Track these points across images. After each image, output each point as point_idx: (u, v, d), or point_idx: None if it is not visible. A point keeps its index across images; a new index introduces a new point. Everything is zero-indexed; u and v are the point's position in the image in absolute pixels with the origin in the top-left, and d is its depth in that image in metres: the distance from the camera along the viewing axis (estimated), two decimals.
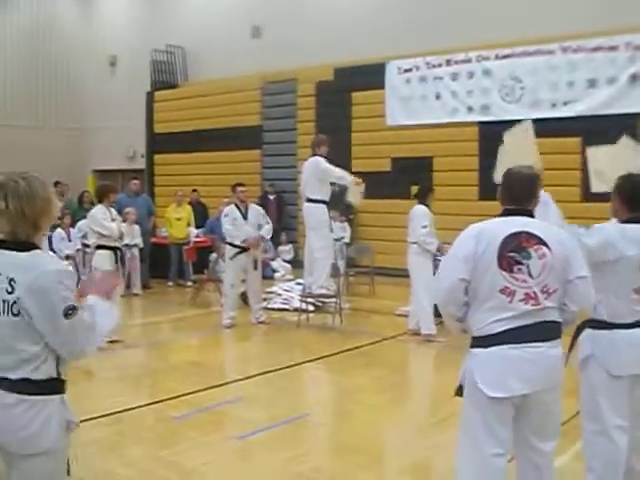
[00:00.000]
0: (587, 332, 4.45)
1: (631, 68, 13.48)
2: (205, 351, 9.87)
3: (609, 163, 5.21)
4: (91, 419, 6.28)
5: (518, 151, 5.34)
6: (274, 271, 15.62)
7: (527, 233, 3.78)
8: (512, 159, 5.27)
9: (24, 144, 20.59)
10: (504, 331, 3.70)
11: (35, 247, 3.16)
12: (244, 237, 10.67)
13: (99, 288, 3.45)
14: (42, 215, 3.17)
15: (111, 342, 8.91)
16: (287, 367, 8.50)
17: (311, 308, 11.39)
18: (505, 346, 3.69)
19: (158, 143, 20.63)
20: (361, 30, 16.67)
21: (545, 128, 13.71)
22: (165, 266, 14.98)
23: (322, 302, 11.65)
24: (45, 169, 4.75)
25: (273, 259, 16.00)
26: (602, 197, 5.47)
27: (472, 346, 3.85)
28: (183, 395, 7.28)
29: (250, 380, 8.07)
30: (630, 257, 4.27)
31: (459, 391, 3.90)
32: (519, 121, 13.82)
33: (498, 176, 5.35)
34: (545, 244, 3.77)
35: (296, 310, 11.18)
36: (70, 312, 3.08)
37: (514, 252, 3.72)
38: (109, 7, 23.34)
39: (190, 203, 16.04)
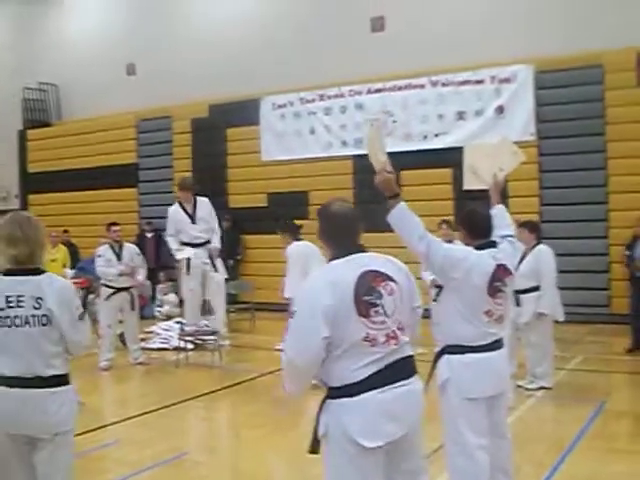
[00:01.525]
0: (444, 357, 4.60)
1: (497, 100, 14.04)
2: (82, 395, 9.49)
3: (484, 161, 5.30)
4: None
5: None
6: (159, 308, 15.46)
7: (373, 271, 3.56)
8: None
9: None
10: (369, 376, 3.46)
11: (45, 271, 4.11)
12: (117, 271, 10.53)
13: None
14: (45, 242, 4.26)
15: None
16: (166, 407, 8.39)
17: (190, 346, 11.30)
18: (374, 391, 3.45)
19: (32, 183, 20.19)
20: (235, 67, 16.81)
21: (417, 160, 14.19)
22: None
23: (201, 340, 11.58)
24: None
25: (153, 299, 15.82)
26: None
27: (332, 397, 3.53)
28: None
29: (128, 422, 7.95)
30: (476, 284, 4.46)
31: (315, 447, 3.60)
32: (392, 154, 14.35)
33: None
34: (391, 279, 3.59)
35: (176, 349, 11.06)
36: (82, 316, 4.16)
37: (368, 295, 3.48)
38: None
39: (62, 243, 15.74)
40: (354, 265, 3.56)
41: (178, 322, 12.03)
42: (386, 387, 3.48)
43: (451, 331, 4.56)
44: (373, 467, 3.49)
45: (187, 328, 11.03)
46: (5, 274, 4.07)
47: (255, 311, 14.06)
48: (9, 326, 3.98)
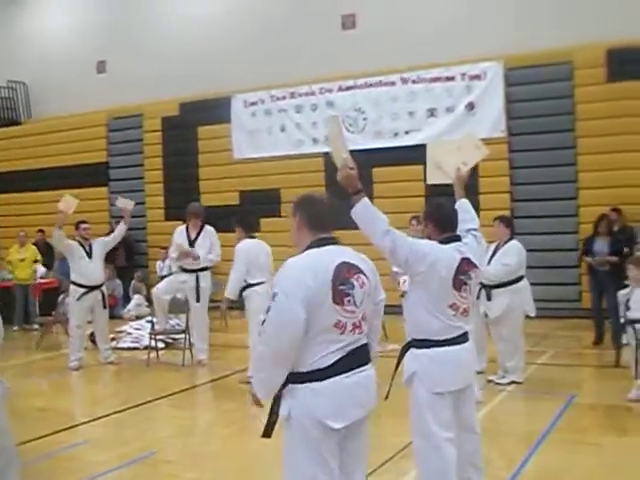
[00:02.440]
0: (410, 351, 4.60)
1: (467, 97, 14.09)
2: (52, 395, 9.56)
3: (448, 156, 5.33)
4: None
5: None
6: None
7: (347, 263, 3.70)
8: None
9: None
10: (336, 361, 3.61)
11: None
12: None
13: None
14: None
15: None
16: (136, 406, 8.34)
17: (161, 345, 11.23)
18: (340, 376, 3.61)
19: (1, 182, 19.95)
20: (206, 64, 16.74)
21: (388, 157, 14.22)
22: (9, 310, 14.42)
23: (172, 339, 11.52)
24: None
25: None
26: None
27: (298, 382, 3.62)
28: (26, 442, 7.00)
29: (98, 422, 7.88)
30: (442, 277, 4.46)
31: (269, 430, 3.72)
32: (364, 151, 14.37)
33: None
34: (362, 272, 3.75)
35: (146, 348, 10.99)
36: None
37: (343, 285, 3.63)
38: None
39: (36, 244, 15.62)
40: (331, 255, 3.71)
41: (149, 321, 11.94)
42: (350, 372, 3.65)
43: (417, 325, 4.58)
44: (333, 449, 3.64)
45: (157, 327, 10.94)
46: None
47: (228, 309, 13.95)
48: None
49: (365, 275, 3.75)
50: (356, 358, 3.69)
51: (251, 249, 9.06)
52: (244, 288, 9.03)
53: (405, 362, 4.62)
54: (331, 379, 3.59)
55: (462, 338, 4.61)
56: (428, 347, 4.52)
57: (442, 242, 4.59)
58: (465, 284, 4.54)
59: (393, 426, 6.64)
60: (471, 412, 4.78)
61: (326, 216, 3.84)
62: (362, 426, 3.80)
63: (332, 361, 3.60)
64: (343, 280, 3.63)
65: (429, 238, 4.73)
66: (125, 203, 11.50)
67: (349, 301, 3.63)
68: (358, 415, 3.70)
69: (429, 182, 5.53)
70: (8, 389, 4.24)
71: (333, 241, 3.80)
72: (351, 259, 3.75)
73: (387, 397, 4.68)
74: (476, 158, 5.39)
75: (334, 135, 4.47)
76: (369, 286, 3.76)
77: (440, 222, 4.71)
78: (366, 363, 3.77)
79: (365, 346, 3.78)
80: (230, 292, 8.92)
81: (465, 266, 4.55)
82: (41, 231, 16.38)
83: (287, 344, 3.53)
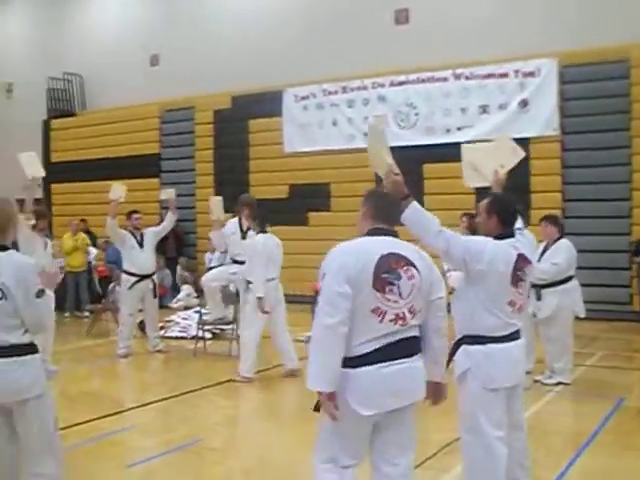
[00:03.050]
0: (463, 348, 4.56)
1: (520, 94, 13.94)
2: (100, 381, 9.70)
3: (484, 159, 5.31)
4: None
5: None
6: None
7: (397, 254, 3.78)
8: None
9: None
10: (373, 351, 3.71)
11: (7, 248, 4.32)
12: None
13: (48, 281, 4.61)
14: (7, 225, 4.32)
15: None
16: (183, 394, 8.42)
17: (209, 336, 11.32)
18: (375, 365, 3.70)
19: (55, 172, 20.20)
20: (258, 58, 16.79)
21: (439, 153, 14.12)
22: (61, 297, 14.64)
23: (220, 329, 11.60)
24: None
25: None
26: None
27: (342, 366, 3.72)
28: (75, 425, 7.11)
29: (145, 408, 7.97)
30: (501, 272, 4.41)
31: (318, 406, 3.84)
32: (415, 147, 14.31)
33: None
34: (414, 266, 3.80)
35: (194, 338, 11.08)
36: (40, 293, 4.27)
37: (387, 273, 3.70)
38: (4, 33, 22.89)
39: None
40: (381, 244, 3.81)
41: (197, 312, 12.03)
42: (388, 362, 3.71)
43: (471, 322, 4.52)
44: (359, 433, 3.81)
45: (209, 316, 11.02)
46: None
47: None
48: None
49: (416, 269, 3.80)
50: (397, 349, 3.76)
51: (267, 244, 9.12)
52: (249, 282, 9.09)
53: (457, 359, 4.58)
54: (366, 367, 3.69)
55: (516, 335, 4.57)
56: (483, 343, 4.47)
57: (497, 238, 4.54)
58: (521, 280, 4.50)
59: (439, 423, 6.60)
60: (520, 410, 4.75)
61: (388, 210, 3.99)
62: (403, 416, 3.85)
63: (369, 350, 3.70)
64: (388, 269, 3.71)
65: (484, 232, 4.67)
66: (167, 194, 11.61)
67: (391, 290, 3.70)
68: (393, 405, 3.76)
69: (467, 184, 5.51)
70: (55, 372, 4.36)
71: (389, 232, 3.90)
72: (403, 251, 3.82)
73: None
74: (513, 161, 5.37)
75: (377, 138, 4.46)
76: (419, 280, 3.79)
77: (506, 217, 4.62)
78: (411, 355, 3.81)
79: (412, 339, 3.83)
80: (260, 291, 8.89)
81: (521, 262, 4.50)
82: (83, 220, 16.57)
83: (338, 318, 3.62)
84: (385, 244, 3.81)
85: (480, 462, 4.46)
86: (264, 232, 9.28)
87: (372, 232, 3.90)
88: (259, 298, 8.89)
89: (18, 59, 22.28)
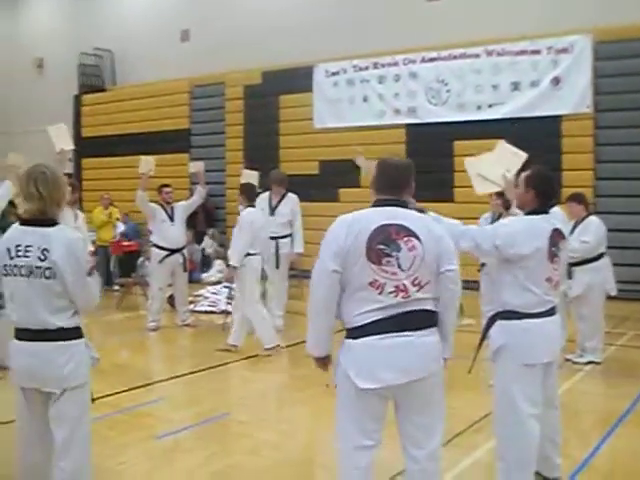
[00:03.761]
0: (498, 323, 4.52)
1: (553, 71, 13.76)
2: (130, 354, 9.78)
3: (490, 168, 5.42)
4: (8, 422, 6.14)
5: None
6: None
7: (398, 225, 3.67)
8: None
9: None
10: (372, 322, 3.63)
11: (57, 223, 4.05)
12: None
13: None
14: (63, 198, 4.09)
15: None
16: (211, 368, 8.47)
17: None
18: (374, 337, 3.62)
19: (86, 147, 20.33)
20: (289, 34, 16.70)
21: (470, 130, 14.00)
22: None
23: None
24: None
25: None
26: None
27: (346, 337, 3.77)
28: (104, 397, 7.16)
29: (173, 381, 8.04)
30: (539, 248, 4.36)
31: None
32: (445, 124, 14.22)
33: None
34: (416, 236, 3.67)
35: (222, 312, 11.11)
36: (91, 272, 4.08)
37: (383, 244, 3.62)
38: (36, 9, 23.01)
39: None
40: (381, 215, 3.72)
41: (226, 286, 12.06)
42: (387, 335, 3.63)
43: (507, 299, 4.48)
44: (366, 408, 3.71)
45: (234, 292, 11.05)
46: (20, 224, 4.07)
47: (304, 279, 14.04)
48: (15, 275, 3.99)
49: (418, 239, 3.67)
50: (400, 322, 3.65)
51: (255, 220, 9.17)
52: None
53: (492, 335, 4.54)
54: (365, 338, 3.64)
55: (552, 311, 4.53)
56: (519, 319, 4.43)
57: (531, 212, 4.49)
58: (556, 256, 4.46)
59: (469, 399, 6.60)
60: (554, 387, 4.73)
61: (393, 179, 3.85)
62: (422, 395, 3.74)
63: (368, 321, 3.64)
64: (384, 240, 3.62)
65: (519, 205, 4.62)
66: (196, 167, 11.63)
67: (389, 262, 3.61)
68: (396, 380, 3.64)
69: (478, 192, 5.59)
70: (98, 360, 4.26)
71: (393, 202, 3.78)
72: (406, 222, 3.70)
73: (470, 371, 4.65)
74: (518, 163, 5.43)
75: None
76: (422, 251, 3.66)
77: (544, 191, 4.56)
78: (417, 329, 3.68)
79: (420, 313, 3.70)
80: (236, 261, 8.96)
81: (556, 237, 4.46)
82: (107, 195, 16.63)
83: (322, 293, 3.69)
84: (386, 214, 3.72)
85: (512, 439, 4.44)
86: (252, 207, 9.35)
87: (375, 203, 3.83)
88: (234, 267, 8.96)
89: (49, 35, 22.38)
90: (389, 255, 3.62)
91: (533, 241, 4.38)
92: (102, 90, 21.07)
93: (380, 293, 3.62)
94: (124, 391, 7.42)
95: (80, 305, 4.08)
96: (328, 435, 6.17)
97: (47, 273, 3.93)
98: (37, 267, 3.94)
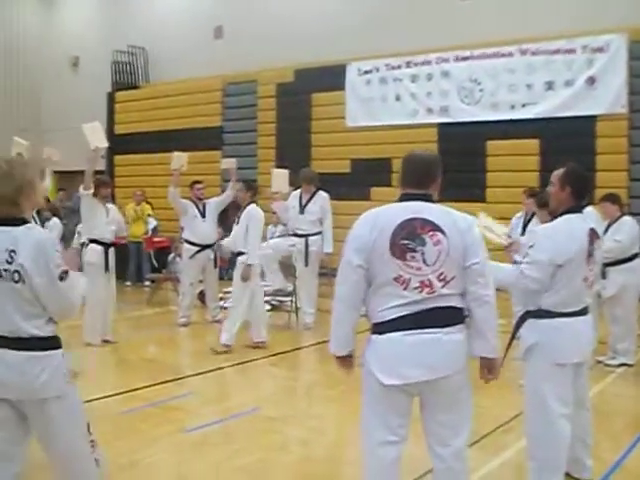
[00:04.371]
0: (530, 322, 4.48)
1: (588, 71, 13.60)
2: (160, 348, 9.82)
3: (496, 225, 5.93)
4: None
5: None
6: None
7: (422, 219, 3.62)
8: None
9: None
10: (398, 318, 3.60)
11: (27, 222, 3.64)
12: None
13: (69, 262, 3.78)
14: (20, 194, 3.61)
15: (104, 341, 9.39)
16: (241, 363, 8.51)
17: (268, 307, 11.36)
18: (399, 333, 3.59)
19: (118, 144, 20.45)
20: (322, 32, 16.68)
21: (503, 130, 13.90)
22: (123, 266, 14.85)
23: (279, 301, 11.64)
24: None
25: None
26: None
27: (372, 332, 3.75)
28: (134, 390, 7.25)
29: (203, 376, 8.06)
30: (582, 249, 4.33)
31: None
32: (478, 123, 14.14)
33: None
34: (441, 230, 3.61)
35: None
36: (63, 276, 3.61)
37: (407, 240, 3.58)
38: (70, 7, 23.18)
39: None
40: (406, 210, 3.68)
41: None
42: (413, 331, 3.59)
43: (541, 298, 4.44)
44: (390, 404, 3.70)
45: (265, 289, 11.07)
46: None
47: (333, 277, 14.00)
48: None
49: (443, 233, 3.61)
50: (425, 319, 3.60)
51: (262, 217, 9.27)
52: (239, 253, 9.15)
53: (523, 333, 4.51)
54: (389, 334, 3.63)
55: (585, 310, 4.49)
56: (551, 317, 4.40)
57: (567, 212, 4.44)
58: (591, 255, 4.42)
59: (499, 399, 6.55)
60: (585, 388, 4.68)
61: (417, 174, 3.81)
62: (447, 392, 3.69)
63: (393, 316, 3.61)
64: (409, 235, 3.58)
65: (554, 204, 4.57)
66: (228, 163, 11.70)
67: (413, 257, 3.57)
68: (420, 377, 3.61)
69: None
70: (77, 374, 4.10)
71: (418, 197, 3.74)
72: (431, 216, 3.64)
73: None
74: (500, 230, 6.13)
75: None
76: (447, 245, 3.60)
77: (580, 189, 4.53)
78: (445, 325, 3.62)
79: (446, 309, 3.64)
80: (254, 259, 9.03)
81: (592, 236, 4.42)
82: (140, 192, 16.72)
83: (346, 288, 3.72)
84: (410, 209, 3.67)
85: (543, 438, 4.41)
86: (255, 203, 9.38)
87: (401, 198, 3.79)
88: (250, 265, 8.96)
89: (84, 33, 22.53)
90: (414, 250, 3.58)
91: (576, 242, 4.36)
92: (135, 87, 21.17)
93: (405, 289, 3.58)
94: (154, 385, 7.47)
95: (53, 312, 3.68)
96: (357, 432, 6.17)
97: (15, 277, 3.56)
98: (5, 270, 3.56)
